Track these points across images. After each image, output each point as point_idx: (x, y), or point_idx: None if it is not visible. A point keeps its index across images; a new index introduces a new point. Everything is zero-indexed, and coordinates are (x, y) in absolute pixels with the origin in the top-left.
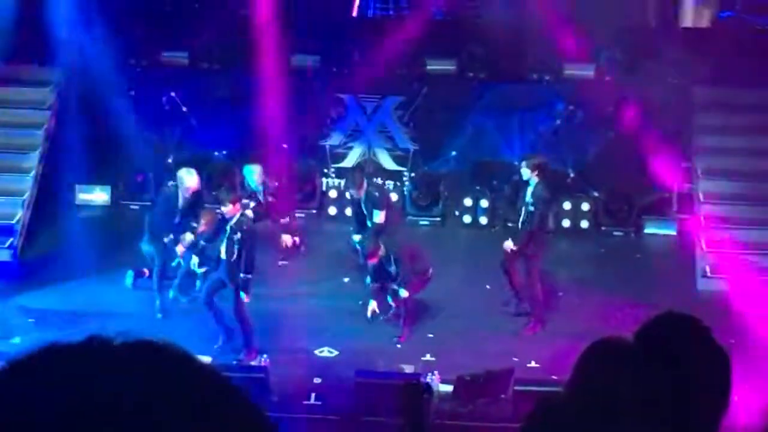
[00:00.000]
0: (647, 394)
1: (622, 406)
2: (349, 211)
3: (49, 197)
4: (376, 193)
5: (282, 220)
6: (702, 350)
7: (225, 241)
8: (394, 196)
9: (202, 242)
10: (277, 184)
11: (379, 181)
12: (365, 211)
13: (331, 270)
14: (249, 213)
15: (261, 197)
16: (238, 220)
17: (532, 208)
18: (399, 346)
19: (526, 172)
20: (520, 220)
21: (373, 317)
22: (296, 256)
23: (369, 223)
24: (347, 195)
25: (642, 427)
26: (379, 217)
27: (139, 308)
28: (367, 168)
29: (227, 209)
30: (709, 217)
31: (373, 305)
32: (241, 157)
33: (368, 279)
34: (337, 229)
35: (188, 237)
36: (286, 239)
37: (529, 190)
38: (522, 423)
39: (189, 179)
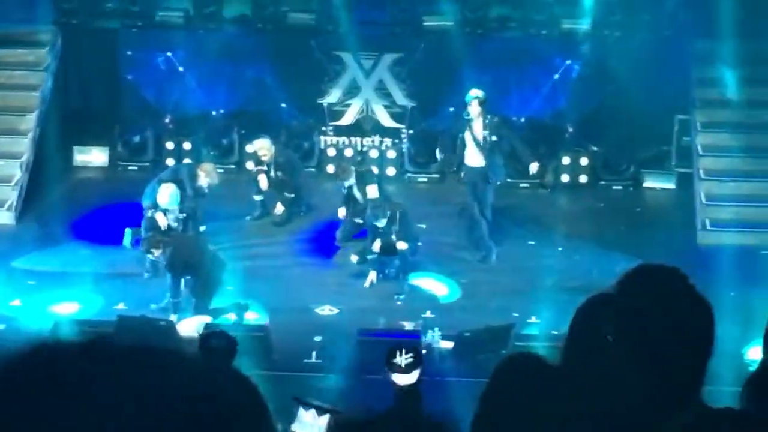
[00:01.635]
0: (632, 347)
1: (609, 361)
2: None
3: (47, 159)
4: (363, 170)
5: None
6: (681, 300)
7: None
8: (392, 154)
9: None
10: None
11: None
12: (359, 193)
13: (330, 228)
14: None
15: (272, 171)
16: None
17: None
18: (400, 303)
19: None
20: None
21: (371, 286)
22: (284, 220)
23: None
24: (345, 190)
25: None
26: (373, 190)
27: (135, 268)
28: (366, 126)
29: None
30: (708, 169)
31: (372, 276)
32: (238, 116)
33: (370, 252)
34: (335, 188)
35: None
36: (279, 207)
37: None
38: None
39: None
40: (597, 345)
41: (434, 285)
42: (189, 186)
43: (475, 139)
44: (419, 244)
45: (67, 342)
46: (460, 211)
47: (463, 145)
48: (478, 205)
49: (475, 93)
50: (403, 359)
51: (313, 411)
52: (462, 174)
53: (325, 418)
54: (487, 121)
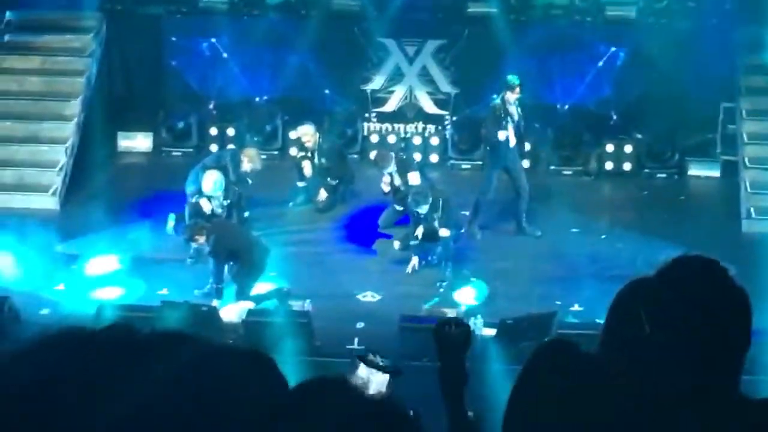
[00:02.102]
0: (668, 337)
1: (645, 351)
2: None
3: (92, 144)
4: (403, 156)
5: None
6: (718, 292)
7: None
8: (436, 141)
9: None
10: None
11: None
12: (400, 180)
13: (373, 215)
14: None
15: (315, 157)
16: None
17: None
18: (442, 290)
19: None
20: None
21: (413, 272)
22: (328, 207)
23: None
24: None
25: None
26: (414, 177)
27: (178, 254)
28: (409, 113)
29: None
30: (753, 157)
31: (414, 261)
32: (282, 102)
33: (413, 238)
34: (378, 174)
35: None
36: (322, 194)
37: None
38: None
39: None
40: (634, 333)
41: (478, 272)
42: (233, 172)
43: (513, 121)
44: (462, 231)
45: (90, 329)
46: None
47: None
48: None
49: (517, 78)
50: (453, 328)
51: (372, 369)
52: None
53: (385, 377)
54: (518, 105)
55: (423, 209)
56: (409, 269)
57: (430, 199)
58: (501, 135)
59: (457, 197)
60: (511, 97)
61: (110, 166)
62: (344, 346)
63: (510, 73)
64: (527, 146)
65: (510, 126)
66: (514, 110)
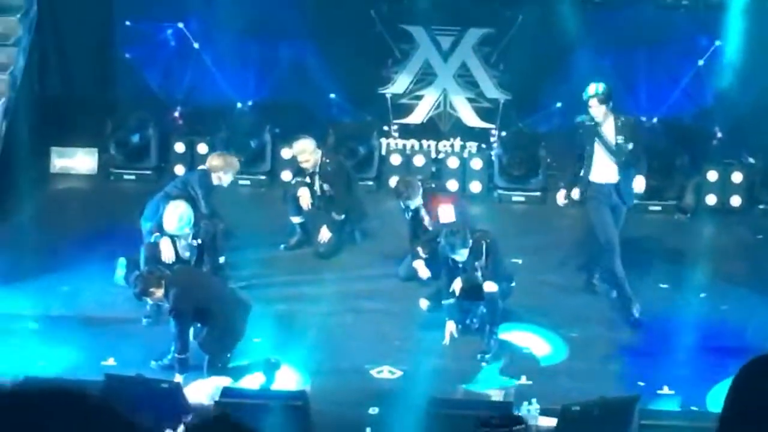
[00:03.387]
0: None
1: None
2: None
3: (16, 164)
4: (432, 185)
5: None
6: None
7: None
8: (478, 164)
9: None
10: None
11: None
12: (428, 216)
13: (393, 262)
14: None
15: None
16: None
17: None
18: (485, 364)
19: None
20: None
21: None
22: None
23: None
24: (409, 213)
25: None
26: (448, 213)
27: (130, 312)
28: (443, 125)
29: None
30: None
31: (450, 327)
32: (272, 109)
33: (447, 294)
34: (400, 207)
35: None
36: (324, 233)
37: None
38: None
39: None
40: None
41: (532, 341)
42: (204, 202)
43: (606, 146)
44: (513, 285)
45: None
46: (598, 255)
47: (590, 157)
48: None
49: (594, 88)
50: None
51: None
52: (584, 194)
53: None
54: (619, 123)
55: (461, 255)
56: (446, 339)
57: (470, 242)
58: (594, 169)
59: (506, 239)
60: (595, 113)
61: (40, 193)
62: None
63: (585, 78)
64: (639, 184)
65: (602, 155)
66: (609, 131)
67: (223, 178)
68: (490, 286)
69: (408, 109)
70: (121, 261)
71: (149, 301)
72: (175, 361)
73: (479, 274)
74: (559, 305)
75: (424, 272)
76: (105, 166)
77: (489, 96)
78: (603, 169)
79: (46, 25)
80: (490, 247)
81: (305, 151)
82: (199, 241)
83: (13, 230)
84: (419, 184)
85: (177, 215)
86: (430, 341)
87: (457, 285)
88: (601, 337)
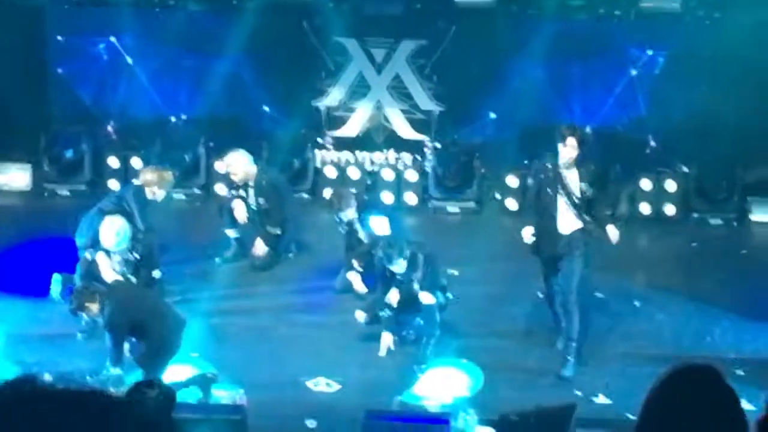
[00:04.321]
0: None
1: None
2: None
3: None
4: (367, 198)
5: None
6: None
7: None
8: (413, 175)
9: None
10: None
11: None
12: (363, 230)
13: (328, 275)
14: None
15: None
16: None
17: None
18: (422, 375)
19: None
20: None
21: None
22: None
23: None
24: (344, 226)
25: None
26: (382, 225)
27: (65, 327)
28: (378, 137)
29: None
30: None
31: (387, 339)
32: (205, 123)
33: (384, 306)
34: (336, 219)
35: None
36: (259, 246)
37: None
38: None
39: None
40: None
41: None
42: (139, 216)
43: (569, 196)
44: (449, 296)
45: None
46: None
47: (551, 204)
48: (563, 288)
49: (573, 126)
50: None
51: None
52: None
53: None
54: (583, 170)
55: (399, 267)
56: (381, 351)
57: (408, 253)
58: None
59: (442, 251)
60: (567, 154)
61: None
62: None
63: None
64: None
65: (564, 204)
66: (574, 178)
67: (156, 192)
68: (427, 298)
69: (342, 122)
70: (56, 277)
71: (84, 316)
72: (110, 377)
73: (416, 285)
74: (495, 315)
75: (359, 285)
76: (38, 181)
77: (423, 108)
78: (564, 219)
79: None
80: (428, 258)
81: (239, 165)
82: (137, 255)
83: None
84: (353, 196)
85: (114, 231)
86: (366, 353)
87: (393, 296)
88: (536, 345)
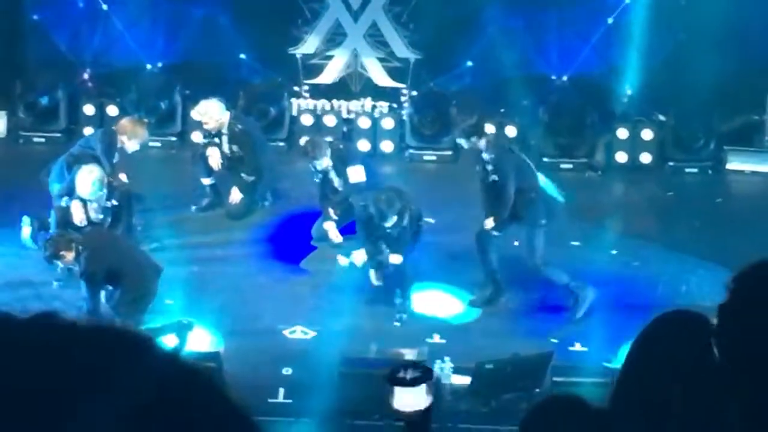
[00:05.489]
0: (723, 378)
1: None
2: None
3: None
4: (343, 146)
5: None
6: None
7: None
8: (389, 123)
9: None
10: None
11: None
12: (338, 178)
13: (305, 223)
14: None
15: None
16: None
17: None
18: (398, 324)
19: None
20: None
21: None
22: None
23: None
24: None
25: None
26: (357, 173)
27: (40, 275)
28: (354, 85)
29: None
30: None
31: (358, 255)
32: (181, 71)
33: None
34: (311, 168)
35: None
36: (235, 194)
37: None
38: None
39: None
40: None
41: (445, 300)
42: (105, 159)
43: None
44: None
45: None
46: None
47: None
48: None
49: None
50: (409, 373)
51: None
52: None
53: None
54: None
55: (391, 222)
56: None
57: (399, 206)
58: None
59: (418, 199)
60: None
61: None
62: (266, 399)
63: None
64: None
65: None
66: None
67: (126, 143)
68: (395, 258)
69: (318, 70)
70: (25, 219)
71: (60, 264)
72: None
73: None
74: (470, 264)
75: (334, 234)
76: (14, 129)
77: (399, 55)
78: None
79: None
80: (414, 215)
81: (214, 112)
82: (115, 202)
83: None
84: (327, 144)
85: (91, 180)
86: (342, 301)
87: (358, 256)
88: (514, 295)
